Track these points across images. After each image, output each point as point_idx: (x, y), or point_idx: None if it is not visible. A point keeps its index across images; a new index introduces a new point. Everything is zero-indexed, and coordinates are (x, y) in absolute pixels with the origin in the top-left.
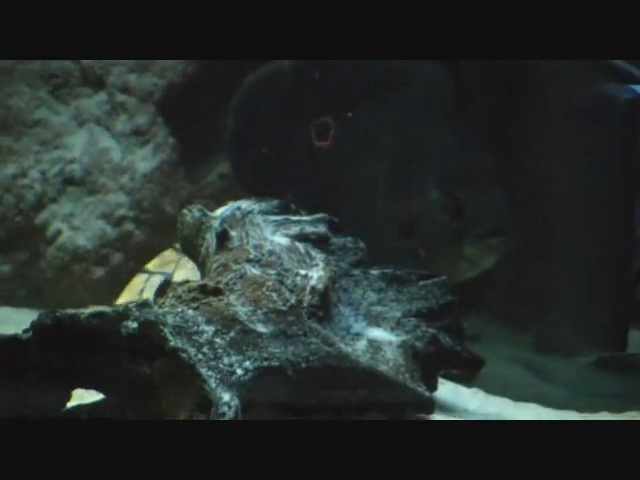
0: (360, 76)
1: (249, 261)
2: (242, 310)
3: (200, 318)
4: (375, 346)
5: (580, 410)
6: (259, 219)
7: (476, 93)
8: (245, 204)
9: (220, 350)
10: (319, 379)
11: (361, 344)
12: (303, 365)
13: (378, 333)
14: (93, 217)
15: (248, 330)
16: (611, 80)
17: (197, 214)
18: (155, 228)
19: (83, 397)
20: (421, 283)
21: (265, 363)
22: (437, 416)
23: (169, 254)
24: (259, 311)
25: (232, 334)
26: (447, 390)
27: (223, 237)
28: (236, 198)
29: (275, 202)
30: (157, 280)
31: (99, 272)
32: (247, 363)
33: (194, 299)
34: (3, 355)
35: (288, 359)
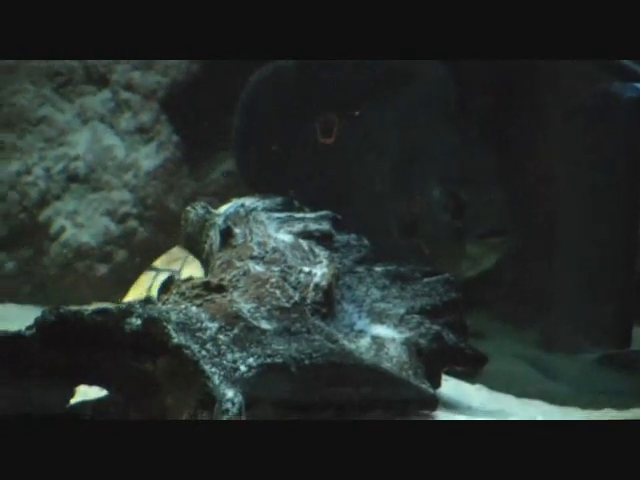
0: (362, 76)
1: (253, 258)
2: (245, 307)
3: (204, 315)
4: (379, 343)
5: (584, 407)
6: (263, 216)
7: (477, 93)
8: (249, 201)
9: (224, 347)
10: (322, 376)
11: (364, 341)
12: (306, 362)
13: (382, 330)
14: (97, 214)
15: (252, 327)
16: (615, 78)
17: (201, 211)
18: (159, 225)
19: (87, 394)
20: (425, 280)
21: (269, 360)
22: (440, 413)
23: (176, 251)
24: (262, 308)
25: (236, 331)
26: (451, 387)
27: (227, 234)
28: (240, 195)
29: (279, 199)
30: (164, 277)
31: (103, 269)
32: (251, 360)
33: (198, 296)
34: (7, 352)
35: (291, 356)
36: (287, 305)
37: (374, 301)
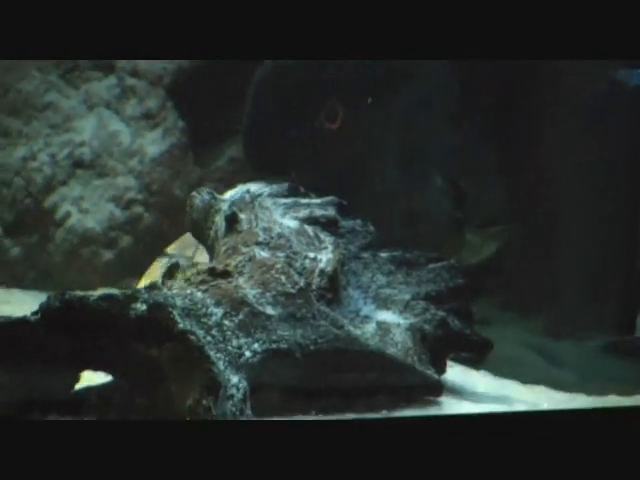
0: (364, 75)
1: (258, 244)
2: (251, 292)
3: (209, 300)
4: (384, 329)
5: (589, 393)
6: (268, 202)
7: (480, 92)
8: (255, 187)
9: (229, 332)
10: (328, 362)
11: (370, 327)
12: (312, 348)
13: (387, 316)
14: (102, 200)
15: (257, 312)
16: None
17: (206, 197)
18: (164, 211)
19: (92, 379)
20: (430, 266)
21: (274, 345)
22: (445, 399)
23: (189, 237)
24: (268, 294)
25: (241, 316)
26: (456, 373)
27: (232, 220)
28: (245, 181)
29: (285, 185)
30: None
31: (108, 255)
32: (256, 345)
33: (203, 281)
34: (12, 337)
35: (297, 342)
36: (292, 291)
37: (379, 287)
